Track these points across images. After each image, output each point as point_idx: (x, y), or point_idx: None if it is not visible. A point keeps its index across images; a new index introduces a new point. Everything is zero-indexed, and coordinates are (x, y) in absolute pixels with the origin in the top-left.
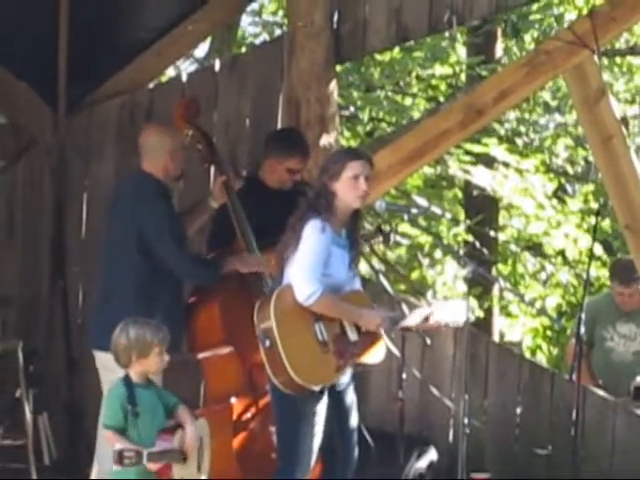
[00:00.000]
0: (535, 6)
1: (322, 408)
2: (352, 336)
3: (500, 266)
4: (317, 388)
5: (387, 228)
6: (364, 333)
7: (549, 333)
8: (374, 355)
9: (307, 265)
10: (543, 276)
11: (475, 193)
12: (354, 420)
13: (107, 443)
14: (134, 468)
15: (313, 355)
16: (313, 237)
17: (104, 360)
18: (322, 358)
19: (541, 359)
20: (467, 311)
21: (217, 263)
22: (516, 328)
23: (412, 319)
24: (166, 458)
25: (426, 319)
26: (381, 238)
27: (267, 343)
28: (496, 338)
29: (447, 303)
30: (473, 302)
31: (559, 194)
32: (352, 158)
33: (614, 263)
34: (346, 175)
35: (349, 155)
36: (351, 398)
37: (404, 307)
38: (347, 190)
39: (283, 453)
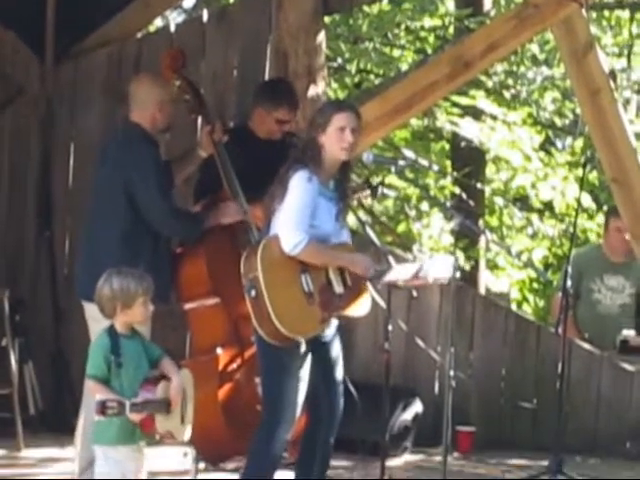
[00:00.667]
0: None
1: (306, 362)
2: (338, 288)
3: (487, 219)
4: (302, 339)
5: (375, 181)
6: (350, 286)
7: (535, 285)
8: (359, 308)
9: (293, 215)
10: (530, 230)
11: (462, 145)
12: (339, 373)
13: (90, 393)
14: (117, 419)
15: (299, 306)
16: (300, 187)
17: (92, 311)
18: (307, 309)
19: (527, 311)
20: (454, 266)
21: (198, 218)
22: (503, 280)
23: (400, 274)
24: (149, 408)
25: (414, 276)
26: (369, 191)
27: (253, 293)
28: (482, 290)
29: (434, 259)
30: (460, 255)
31: (546, 147)
32: (338, 110)
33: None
34: (332, 127)
35: (335, 107)
36: (336, 351)
37: (391, 260)
38: (333, 142)
39: (268, 406)
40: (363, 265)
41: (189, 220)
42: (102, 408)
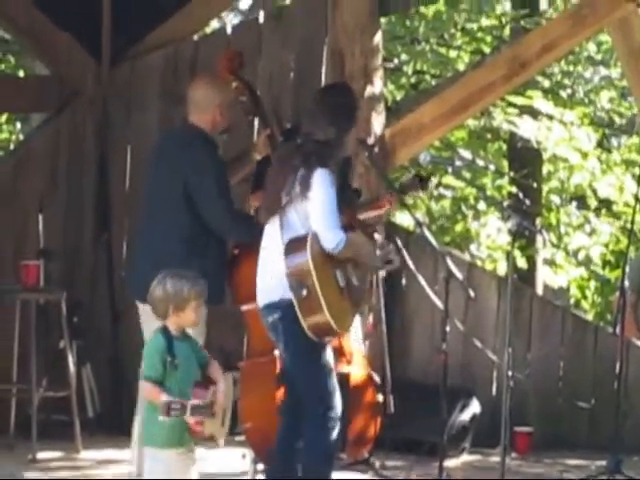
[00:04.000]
0: None
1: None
2: (355, 281)
3: (544, 217)
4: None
5: (424, 174)
6: (360, 278)
7: (593, 283)
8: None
9: (329, 213)
10: (587, 228)
11: (519, 145)
12: None
13: (146, 394)
14: (169, 420)
15: (339, 301)
16: (328, 186)
17: (146, 311)
18: (344, 304)
19: (586, 308)
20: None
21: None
22: (561, 278)
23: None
24: (204, 412)
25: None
26: (419, 185)
27: (304, 292)
28: (540, 289)
29: None
30: (517, 254)
31: (603, 145)
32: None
33: None
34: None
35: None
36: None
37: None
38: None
39: (314, 397)
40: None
41: (248, 223)
42: (167, 409)
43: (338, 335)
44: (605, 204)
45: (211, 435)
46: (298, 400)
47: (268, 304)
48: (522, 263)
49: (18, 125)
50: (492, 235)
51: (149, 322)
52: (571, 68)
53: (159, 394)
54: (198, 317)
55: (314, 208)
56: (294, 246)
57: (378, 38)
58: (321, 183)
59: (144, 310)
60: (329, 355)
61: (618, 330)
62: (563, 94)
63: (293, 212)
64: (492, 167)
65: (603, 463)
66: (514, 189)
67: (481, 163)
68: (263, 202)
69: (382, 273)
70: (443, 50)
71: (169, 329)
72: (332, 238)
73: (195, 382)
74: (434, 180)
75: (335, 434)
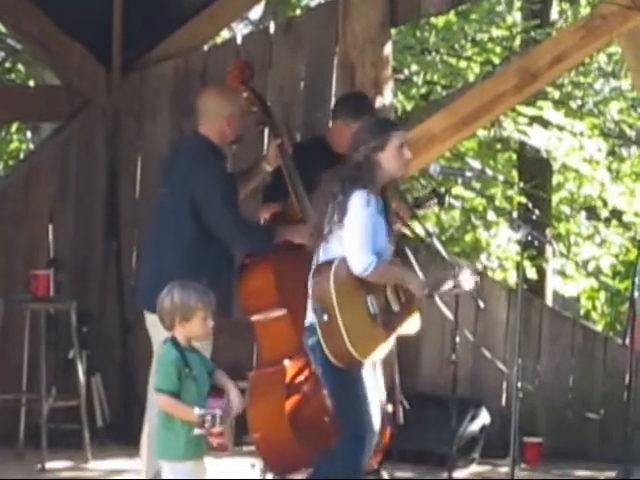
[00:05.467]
0: None
1: (370, 371)
2: (395, 307)
3: (554, 227)
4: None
5: (441, 190)
6: (403, 303)
7: (603, 294)
8: (412, 325)
9: (361, 237)
10: (597, 239)
11: (529, 155)
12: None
13: (163, 407)
14: (184, 432)
15: (367, 329)
16: (363, 209)
17: (154, 320)
18: (374, 331)
19: (596, 319)
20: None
21: (269, 233)
22: (570, 288)
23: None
24: (227, 421)
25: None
26: (436, 200)
27: (325, 317)
28: (550, 299)
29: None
30: (527, 264)
31: (612, 157)
32: (395, 128)
33: None
34: (391, 145)
35: (390, 126)
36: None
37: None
38: (393, 160)
39: (347, 422)
40: (421, 286)
41: (260, 234)
42: (202, 422)
43: (362, 364)
44: (615, 214)
45: (225, 443)
46: None
47: (308, 326)
48: (532, 274)
49: (28, 135)
50: (502, 245)
51: (155, 332)
52: (581, 79)
53: (187, 409)
54: (206, 329)
55: (347, 231)
56: (320, 270)
57: (388, 49)
58: (356, 205)
59: (150, 320)
60: (364, 378)
61: (628, 341)
62: (573, 105)
63: (334, 240)
64: (502, 177)
65: (613, 474)
66: (524, 199)
67: (491, 173)
68: (313, 230)
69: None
70: (453, 61)
71: (178, 340)
72: (360, 261)
73: (208, 392)
74: (450, 196)
75: (362, 460)
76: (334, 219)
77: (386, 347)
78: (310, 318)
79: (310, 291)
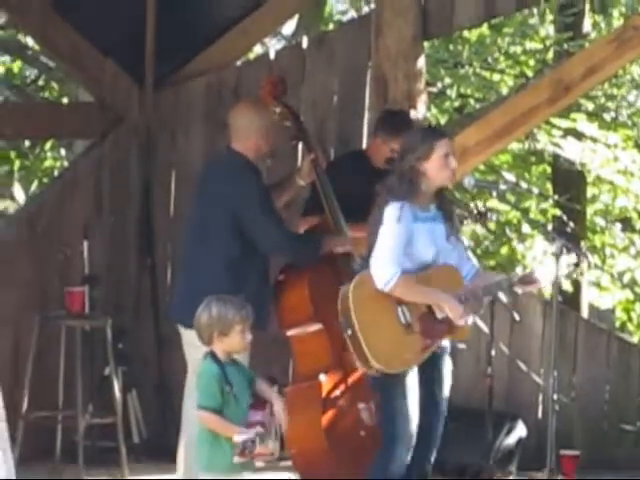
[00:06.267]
0: None
1: (414, 380)
2: (439, 313)
3: (589, 239)
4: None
5: (483, 208)
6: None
7: (639, 305)
8: (461, 331)
9: (385, 250)
10: (632, 251)
11: (563, 167)
12: (444, 392)
13: (206, 424)
14: (231, 448)
15: (395, 339)
16: (392, 221)
17: (189, 337)
18: (405, 341)
19: (631, 330)
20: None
21: (317, 242)
22: (606, 300)
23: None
24: (267, 436)
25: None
26: (479, 220)
27: (349, 332)
28: (585, 311)
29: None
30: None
31: None
32: (440, 137)
33: None
34: (436, 155)
35: (437, 134)
36: (446, 369)
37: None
38: (439, 169)
39: (385, 428)
40: (457, 313)
41: (309, 244)
42: (243, 450)
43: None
44: None
45: (271, 452)
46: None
47: None
48: (567, 286)
49: (62, 152)
50: (538, 257)
51: (190, 349)
52: (615, 91)
53: (230, 427)
54: (244, 342)
55: (377, 243)
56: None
57: (421, 62)
58: (387, 218)
59: (185, 336)
60: (407, 387)
61: None
62: (607, 117)
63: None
64: (536, 190)
65: None
66: (558, 212)
67: (525, 186)
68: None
69: None
70: (487, 74)
71: (217, 356)
72: (381, 275)
73: (250, 404)
74: (492, 214)
75: (400, 467)
76: (374, 230)
77: (427, 353)
78: None
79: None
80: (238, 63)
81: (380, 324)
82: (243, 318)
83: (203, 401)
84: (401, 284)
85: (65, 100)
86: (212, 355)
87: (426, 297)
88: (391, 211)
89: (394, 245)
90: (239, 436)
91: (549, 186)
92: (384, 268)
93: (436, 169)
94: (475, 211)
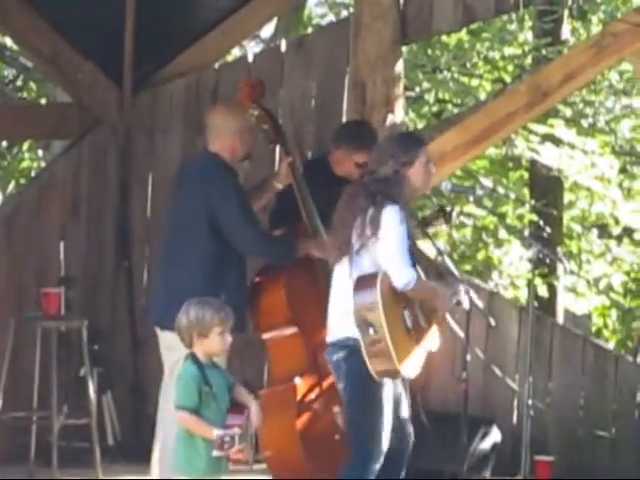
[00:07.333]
0: None
1: (389, 393)
2: (422, 322)
3: (565, 244)
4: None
5: (448, 207)
6: (427, 319)
7: (614, 311)
8: (433, 341)
9: (401, 252)
10: (609, 257)
11: (541, 173)
12: (406, 408)
13: (183, 424)
14: (206, 450)
15: (405, 343)
16: (395, 226)
17: (166, 339)
18: (409, 345)
19: (607, 337)
20: (531, 293)
21: (292, 243)
22: (582, 306)
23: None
24: (246, 438)
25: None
26: (442, 219)
27: (371, 332)
28: (561, 316)
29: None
30: (538, 281)
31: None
32: (422, 144)
33: None
34: (419, 161)
35: (419, 141)
36: (403, 385)
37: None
38: (420, 175)
39: (360, 439)
40: (448, 300)
41: (283, 245)
42: (221, 443)
43: (400, 377)
44: (626, 232)
45: (246, 459)
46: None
47: (334, 342)
48: (543, 291)
49: (40, 153)
50: (514, 263)
51: (166, 351)
52: (593, 97)
53: (207, 427)
54: (224, 344)
55: (385, 246)
56: (363, 283)
57: (400, 67)
58: (390, 221)
59: (162, 338)
60: (387, 395)
61: (639, 359)
62: (584, 123)
63: (365, 254)
64: (513, 195)
65: None
66: (535, 217)
67: (502, 191)
68: (333, 242)
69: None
70: (465, 79)
71: (197, 357)
72: (403, 276)
73: (228, 408)
74: (456, 211)
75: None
76: (366, 233)
77: (419, 363)
78: (337, 334)
79: (354, 306)
80: (217, 65)
81: (396, 326)
82: (222, 320)
83: (181, 401)
84: (418, 283)
85: (43, 101)
86: (192, 356)
87: (432, 293)
88: (393, 214)
89: (404, 245)
90: (219, 430)
91: (526, 191)
92: (404, 268)
93: (418, 175)
94: (440, 210)
